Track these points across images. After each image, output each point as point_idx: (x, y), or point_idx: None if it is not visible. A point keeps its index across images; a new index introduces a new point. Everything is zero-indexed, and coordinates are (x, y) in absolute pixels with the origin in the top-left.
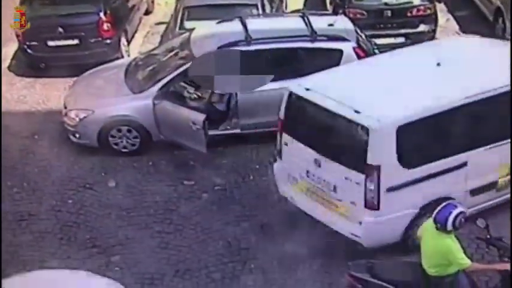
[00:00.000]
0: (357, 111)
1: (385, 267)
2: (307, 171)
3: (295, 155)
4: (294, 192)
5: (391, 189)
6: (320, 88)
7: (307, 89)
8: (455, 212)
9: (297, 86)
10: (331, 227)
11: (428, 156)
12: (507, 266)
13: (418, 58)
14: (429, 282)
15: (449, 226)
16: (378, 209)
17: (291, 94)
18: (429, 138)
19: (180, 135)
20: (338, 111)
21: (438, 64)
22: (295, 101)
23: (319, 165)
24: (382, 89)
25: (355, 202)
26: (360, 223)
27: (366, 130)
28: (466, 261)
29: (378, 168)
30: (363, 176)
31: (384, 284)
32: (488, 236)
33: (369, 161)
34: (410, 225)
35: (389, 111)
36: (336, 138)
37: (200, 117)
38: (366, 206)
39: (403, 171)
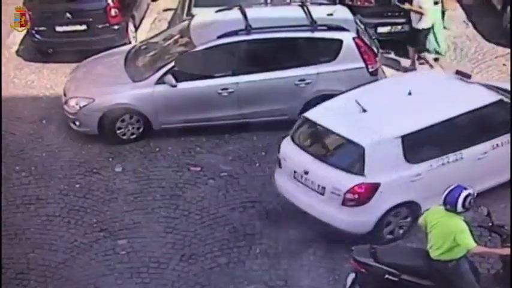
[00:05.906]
0: None
1: (388, 252)
2: None
3: None
4: None
5: None
6: None
7: None
8: (464, 194)
9: None
10: None
11: None
12: (508, 251)
13: None
14: (432, 266)
15: (459, 207)
16: None
17: None
18: None
19: None
20: None
21: None
22: None
23: None
24: None
25: None
26: None
27: None
28: (472, 243)
29: None
30: None
31: (387, 268)
32: (491, 224)
33: None
34: None
35: None
36: None
37: None
38: None
39: None
